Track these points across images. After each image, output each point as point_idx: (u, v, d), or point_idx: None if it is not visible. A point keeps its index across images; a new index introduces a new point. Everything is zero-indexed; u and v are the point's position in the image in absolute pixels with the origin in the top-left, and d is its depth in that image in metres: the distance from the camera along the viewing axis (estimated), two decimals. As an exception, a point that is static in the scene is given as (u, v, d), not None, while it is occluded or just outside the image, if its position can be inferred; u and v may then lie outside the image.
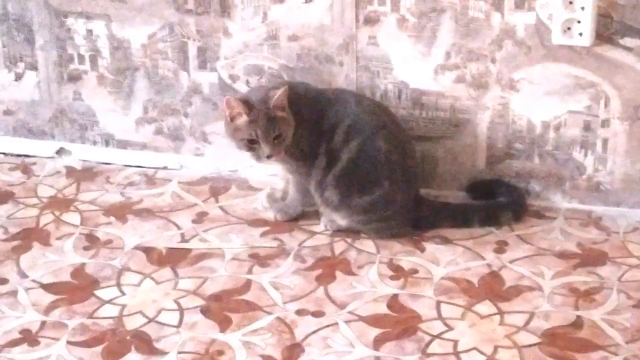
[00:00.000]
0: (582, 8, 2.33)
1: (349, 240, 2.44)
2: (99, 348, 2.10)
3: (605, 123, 2.46)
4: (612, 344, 2.07)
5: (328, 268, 2.34)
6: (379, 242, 2.43)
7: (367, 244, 2.43)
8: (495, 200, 2.51)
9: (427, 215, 2.44)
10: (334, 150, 2.38)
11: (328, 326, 2.15)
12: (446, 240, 2.43)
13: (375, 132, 2.38)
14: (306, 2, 2.54)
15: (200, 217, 2.55)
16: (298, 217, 2.52)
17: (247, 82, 2.65)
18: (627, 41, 2.37)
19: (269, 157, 2.35)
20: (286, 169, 2.48)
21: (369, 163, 2.38)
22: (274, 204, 2.56)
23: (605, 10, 2.36)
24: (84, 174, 2.77)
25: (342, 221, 2.44)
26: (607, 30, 2.38)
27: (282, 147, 2.35)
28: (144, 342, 2.11)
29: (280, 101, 2.33)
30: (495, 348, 2.07)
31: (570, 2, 2.34)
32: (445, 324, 2.15)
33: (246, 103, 2.33)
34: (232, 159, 2.71)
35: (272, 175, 2.68)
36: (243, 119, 2.33)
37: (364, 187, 2.38)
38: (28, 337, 2.13)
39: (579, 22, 2.35)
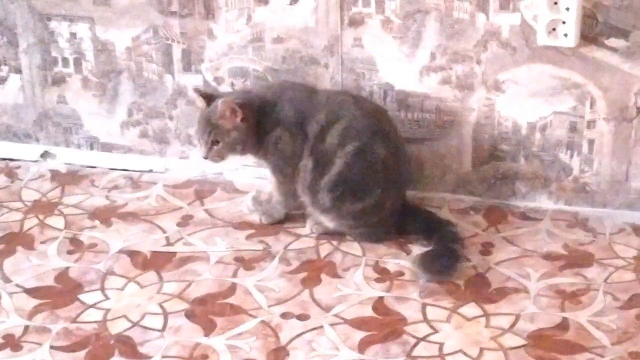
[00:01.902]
0: (567, 9, 2.33)
1: (334, 242, 2.43)
2: (83, 352, 2.09)
3: (591, 124, 2.46)
4: (599, 346, 2.07)
5: (313, 271, 2.33)
6: (364, 244, 2.42)
7: (353, 247, 2.42)
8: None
9: (410, 220, 2.43)
10: (326, 152, 2.36)
11: (313, 329, 2.14)
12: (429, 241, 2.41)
13: (373, 138, 2.36)
14: (291, 4, 2.53)
15: (186, 220, 2.54)
16: (283, 219, 2.51)
17: (232, 85, 2.64)
18: (612, 42, 2.37)
19: (204, 157, 2.41)
20: (268, 169, 2.47)
21: (365, 169, 2.35)
22: (259, 206, 2.55)
23: (590, 11, 2.36)
24: (69, 178, 2.76)
25: (329, 223, 2.43)
26: (592, 31, 2.37)
27: (220, 152, 2.39)
28: (128, 346, 2.10)
29: (221, 112, 2.35)
30: (481, 350, 2.06)
31: (555, 3, 2.34)
32: (431, 327, 2.14)
33: (206, 100, 2.41)
34: (217, 161, 2.71)
35: (257, 178, 2.67)
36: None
37: (358, 193, 2.36)
38: (11, 342, 2.12)
39: (563, 23, 2.35)
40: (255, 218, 2.52)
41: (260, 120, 2.39)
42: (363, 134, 2.35)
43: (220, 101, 2.36)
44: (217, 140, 2.38)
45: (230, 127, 2.37)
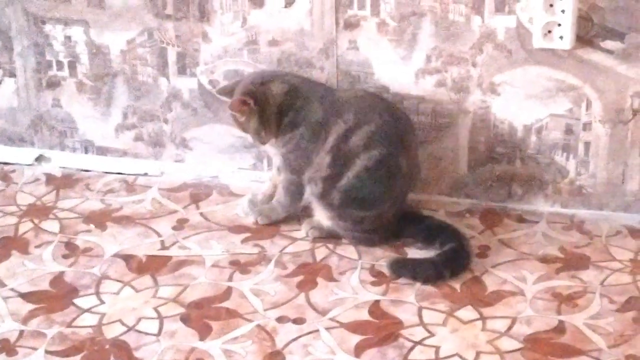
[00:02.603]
0: (563, 11, 2.33)
1: (330, 246, 2.43)
2: (78, 357, 2.08)
3: (587, 126, 2.46)
4: (595, 349, 2.06)
5: (309, 274, 2.33)
6: (360, 248, 2.41)
7: (349, 250, 2.41)
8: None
9: (408, 226, 2.42)
10: (349, 151, 2.34)
11: (309, 333, 2.13)
12: (427, 246, 2.41)
13: (399, 149, 2.34)
14: (286, 6, 2.53)
15: (181, 224, 2.54)
16: (279, 222, 2.51)
17: (228, 87, 2.63)
18: (608, 44, 2.37)
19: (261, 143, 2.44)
20: (281, 162, 2.46)
21: (384, 179, 2.34)
22: (255, 207, 2.54)
23: (586, 13, 2.35)
24: (64, 181, 2.75)
25: (327, 221, 2.42)
26: (588, 33, 2.37)
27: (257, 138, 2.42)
28: (123, 351, 2.09)
29: (234, 111, 2.39)
30: (478, 354, 2.06)
31: (551, 5, 2.33)
32: (427, 330, 2.13)
33: (229, 96, 2.42)
34: (212, 165, 2.71)
35: (253, 182, 2.67)
36: None
37: (369, 202, 2.35)
38: (6, 347, 2.11)
39: (559, 25, 2.34)
40: (251, 220, 2.52)
41: (283, 107, 2.39)
42: (389, 142, 2.34)
43: (230, 103, 2.39)
44: (247, 132, 2.42)
45: (246, 117, 2.39)
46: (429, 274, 2.28)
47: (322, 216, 2.42)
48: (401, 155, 2.35)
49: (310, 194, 2.41)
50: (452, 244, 2.31)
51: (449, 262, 2.30)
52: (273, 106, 2.39)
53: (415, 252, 2.39)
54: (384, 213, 2.37)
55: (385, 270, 2.31)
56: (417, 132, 2.48)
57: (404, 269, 2.31)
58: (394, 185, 2.36)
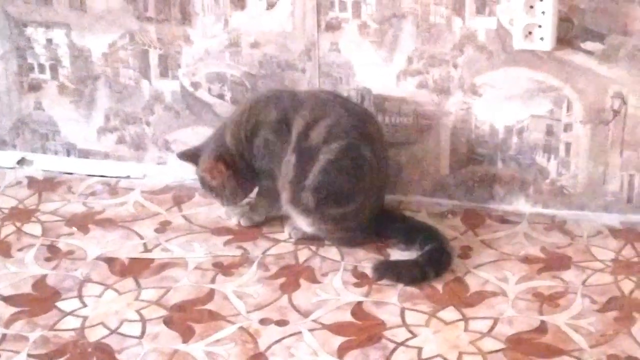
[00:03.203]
0: (543, 12, 2.34)
1: (313, 248, 2.43)
2: (61, 360, 2.08)
3: (567, 127, 2.47)
4: (577, 349, 2.07)
5: (292, 276, 2.33)
6: (343, 249, 2.42)
7: (332, 252, 2.42)
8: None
9: (389, 224, 2.43)
10: (311, 149, 2.35)
11: (292, 335, 2.13)
12: (408, 246, 2.41)
13: (360, 139, 2.35)
14: (268, 9, 2.53)
15: (164, 227, 2.54)
16: (261, 224, 2.51)
17: (209, 90, 2.63)
18: (588, 45, 2.38)
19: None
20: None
21: (351, 169, 2.34)
22: (237, 209, 2.54)
23: (566, 15, 2.37)
24: (46, 184, 2.75)
25: (308, 227, 2.42)
26: (568, 34, 2.38)
27: (229, 201, 2.50)
28: (106, 353, 2.09)
29: (208, 177, 2.46)
30: (460, 354, 2.07)
31: (531, 7, 2.34)
32: (410, 331, 2.14)
33: (192, 161, 2.52)
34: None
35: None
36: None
37: (342, 197, 2.35)
38: (-12, 351, 2.11)
39: (539, 26, 2.36)
40: (233, 222, 2.52)
41: (243, 151, 2.44)
42: (349, 133, 2.35)
43: (201, 170, 2.45)
44: (222, 197, 2.47)
45: (221, 182, 2.44)
46: (414, 275, 2.29)
47: (302, 224, 2.42)
48: (363, 145, 2.35)
49: (285, 202, 2.41)
50: (432, 244, 2.32)
51: (432, 262, 2.31)
52: (239, 158, 2.44)
53: (397, 253, 2.39)
54: (361, 208, 2.37)
55: (370, 273, 2.31)
56: (380, 126, 2.48)
57: (388, 271, 2.31)
58: (362, 175, 2.35)
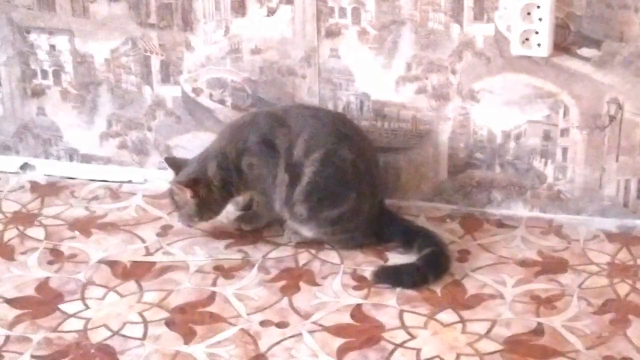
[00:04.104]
0: (540, 19, 2.36)
1: (312, 251, 2.45)
2: (64, 361, 2.11)
3: (564, 132, 2.49)
4: (573, 350, 2.09)
5: (292, 279, 2.35)
6: (342, 252, 2.44)
7: (331, 255, 2.44)
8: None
9: (388, 226, 2.46)
10: (296, 165, 2.39)
11: (292, 337, 2.16)
12: (406, 249, 2.44)
13: (337, 143, 2.39)
14: (268, 15, 2.55)
15: (165, 230, 2.56)
16: (262, 228, 2.53)
17: (211, 96, 2.66)
18: (585, 51, 2.40)
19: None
20: (256, 195, 2.51)
21: (335, 174, 2.38)
22: (238, 212, 2.57)
23: (563, 21, 2.39)
24: (48, 189, 2.77)
25: (308, 233, 2.45)
26: (565, 40, 2.41)
27: (189, 218, 2.50)
28: (108, 355, 2.11)
29: (173, 192, 2.48)
30: (458, 356, 2.09)
31: (528, 14, 2.37)
32: (408, 333, 2.16)
33: (175, 170, 2.53)
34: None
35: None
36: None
37: (333, 199, 2.38)
38: (-8, 352, 2.13)
39: (537, 33, 2.38)
40: (234, 225, 2.54)
41: (225, 173, 2.45)
42: (326, 141, 2.38)
43: (175, 181, 2.46)
44: (180, 212, 2.49)
45: (185, 200, 2.45)
46: (414, 279, 2.31)
47: (303, 231, 2.45)
48: (340, 148, 2.38)
49: (287, 218, 2.45)
50: (431, 248, 2.35)
51: (431, 265, 2.33)
52: (215, 192, 2.46)
53: (396, 257, 2.41)
54: (357, 207, 2.40)
55: (370, 279, 2.33)
56: (354, 123, 2.51)
57: (389, 277, 2.33)
58: (347, 175, 2.38)
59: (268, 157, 2.42)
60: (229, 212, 2.57)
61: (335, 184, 2.38)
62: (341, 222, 2.41)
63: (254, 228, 2.52)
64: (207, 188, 2.44)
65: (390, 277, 2.33)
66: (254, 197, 2.52)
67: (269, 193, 2.45)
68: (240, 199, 2.57)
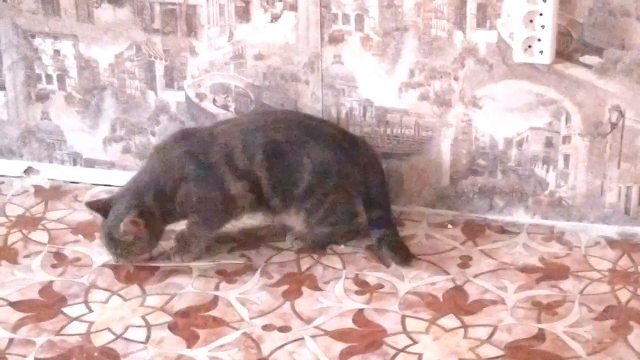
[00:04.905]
0: (543, 26, 2.37)
1: (315, 256, 2.46)
2: (67, 364, 2.12)
3: (566, 139, 2.50)
4: (574, 356, 2.10)
5: (294, 284, 2.36)
6: (345, 257, 2.45)
7: (333, 260, 2.45)
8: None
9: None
10: (248, 172, 2.40)
11: (294, 341, 2.17)
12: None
13: (272, 134, 2.41)
14: (272, 21, 2.57)
15: (168, 235, 2.56)
16: (264, 234, 2.54)
17: (214, 101, 2.67)
18: (587, 59, 2.41)
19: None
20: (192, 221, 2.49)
21: (284, 160, 2.40)
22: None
23: (565, 29, 2.40)
24: (52, 193, 2.78)
25: (298, 223, 2.46)
26: (567, 48, 2.42)
27: (130, 258, 2.42)
28: (111, 358, 2.12)
29: (124, 232, 2.36)
30: (459, 361, 2.10)
31: (531, 21, 2.38)
32: (410, 338, 2.17)
33: (102, 213, 2.42)
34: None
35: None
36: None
37: (294, 180, 2.40)
38: (-4, 355, 2.14)
39: (539, 40, 2.39)
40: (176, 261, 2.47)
41: (164, 203, 2.41)
42: (260, 139, 2.40)
43: (122, 224, 2.34)
44: (124, 252, 2.40)
45: (134, 238, 2.38)
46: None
47: (295, 223, 2.47)
48: (278, 138, 2.41)
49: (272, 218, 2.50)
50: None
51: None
52: (158, 221, 2.42)
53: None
54: (320, 181, 2.41)
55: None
56: (311, 119, 2.53)
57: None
58: (295, 156, 2.40)
59: (209, 179, 2.40)
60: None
61: (289, 168, 2.40)
62: (312, 197, 2.41)
63: (196, 256, 2.47)
64: (152, 218, 2.38)
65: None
66: (188, 219, 2.46)
67: (213, 228, 2.45)
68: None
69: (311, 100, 2.60)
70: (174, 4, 2.61)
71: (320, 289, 2.34)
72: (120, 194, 2.43)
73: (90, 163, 2.82)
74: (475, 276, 2.38)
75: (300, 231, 2.48)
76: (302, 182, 2.40)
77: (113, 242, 2.39)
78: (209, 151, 2.41)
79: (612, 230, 2.53)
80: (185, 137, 2.47)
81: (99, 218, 2.44)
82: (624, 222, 2.53)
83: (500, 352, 2.12)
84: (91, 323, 2.23)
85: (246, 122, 2.48)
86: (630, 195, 2.51)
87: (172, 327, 2.21)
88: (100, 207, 2.43)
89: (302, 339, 2.17)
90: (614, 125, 2.46)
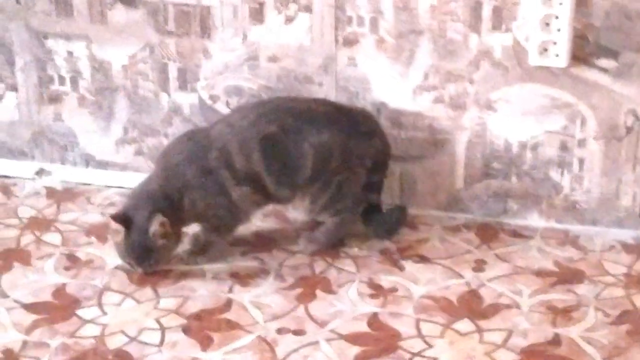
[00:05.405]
0: (559, 30, 2.37)
1: (329, 259, 2.46)
2: (81, 367, 2.11)
3: (581, 143, 2.50)
4: (590, 361, 2.10)
5: (308, 287, 2.36)
6: (358, 261, 2.44)
7: (347, 263, 2.44)
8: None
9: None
10: (248, 174, 2.39)
11: (309, 344, 2.16)
12: (425, 259, 2.45)
13: (263, 129, 2.40)
14: (286, 23, 2.56)
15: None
16: (277, 239, 2.54)
17: (227, 103, 2.67)
18: (603, 62, 2.41)
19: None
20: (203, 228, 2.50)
21: (281, 152, 2.39)
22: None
23: (581, 32, 2.40)
24: (64, 195, 2.78)
25: (306, 213, 2.48)
26: (583, 51, 2.41)
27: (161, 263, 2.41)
28: (125, 361, 2.13)
29: (161, 234, 2.35)
30: (475, 365, 2.10)
31: (547, 24, 2.37)
32: (425, 342, 2.16)
33: (125, 225, 2.37)
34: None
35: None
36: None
37: (294, 168, 2.40)
38: (11, 357, 2.13)
39: (555, 43, 2.38)
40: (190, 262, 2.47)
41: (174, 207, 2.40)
42: (253, 136, 2.39)
43: (156, 223, 2.32)
44: (160, 257, 2.39)
45: (164, 239, 2.36)
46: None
47: (304, 214, 2.50)
48: (269, 131, 2.39)
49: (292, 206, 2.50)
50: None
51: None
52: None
53: (413, 266, 2.42)
54: (321, 165, 2.40)
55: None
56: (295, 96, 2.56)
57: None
58: (290, 145, 2.39)
59: (211, 186, 2.39)
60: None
61: (289, 158, 2.39)
62: (317, 181, 2.41)
63: (211, 259, 2.47)
64: (171, 220, 2.36)
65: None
66: (200, 225, 2.47)
67: (224, 233, 2.46)
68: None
69: (325, 103, 2.60)
70: (187, 5, 2.60)
71: (334, 292, 2.34)
72: (132, 205, 2.39)
73: (103, 165, 2.82)
74: (490, 280, 2.37)
75: (312, 234, 2.48)
76: (306, 169, 2.40)
77: (146, 251, 2.35)
78: (208, 156, 2.40)
79: (627, 235, 2.52)
80: (186, 140, 2.46)
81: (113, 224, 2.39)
82: (638, 226, 2.52)
83: (515, 357, 2.11)
84: (105, 326, 2.23)
85: (238, 119, 2.44)
86: (645, 200, 2.52)
87: (186, 330, 2.21)
88: (125, 219, 2.36)
89: (317, 342, 2.17)
90: (629, 129, 2.45)
